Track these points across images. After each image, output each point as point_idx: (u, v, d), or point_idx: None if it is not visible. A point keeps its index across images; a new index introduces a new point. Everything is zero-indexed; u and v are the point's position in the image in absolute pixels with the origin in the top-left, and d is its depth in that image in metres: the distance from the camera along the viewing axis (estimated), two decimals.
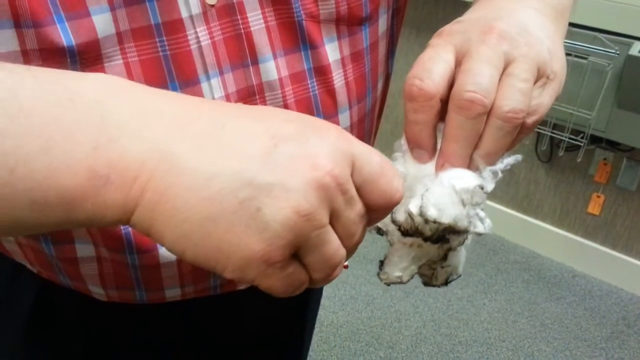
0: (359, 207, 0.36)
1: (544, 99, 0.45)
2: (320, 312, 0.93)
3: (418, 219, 0.42)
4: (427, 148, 0.45)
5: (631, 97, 2.02)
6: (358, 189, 0.36)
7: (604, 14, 2.04)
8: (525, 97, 0.43)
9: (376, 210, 0.38)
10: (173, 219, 0.33)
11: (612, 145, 2.23)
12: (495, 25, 0.45)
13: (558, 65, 0.46)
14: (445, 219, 0.41)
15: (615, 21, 2.02)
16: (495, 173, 0.44)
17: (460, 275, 0.48)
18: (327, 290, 0.84)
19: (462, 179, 0.43)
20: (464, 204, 0.42)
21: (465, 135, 0.43)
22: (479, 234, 0.43)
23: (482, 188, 0.43)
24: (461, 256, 0.47)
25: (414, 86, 0.43)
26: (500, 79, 0.43)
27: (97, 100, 0.34)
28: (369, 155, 0.36)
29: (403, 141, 0.47)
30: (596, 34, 2.04)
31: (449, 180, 0.43)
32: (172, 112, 0.35)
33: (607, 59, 2.03)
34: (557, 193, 2.44)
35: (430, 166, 0.45)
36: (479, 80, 0.42)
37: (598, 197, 2.34)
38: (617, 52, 2.01)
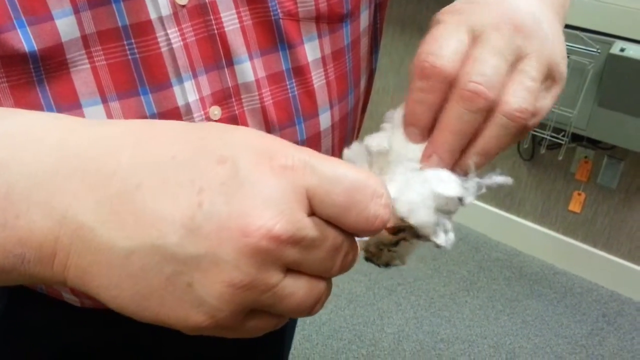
0: (328, 244, 0.30)
1: (547, 102, 0.43)
2: None
3: None
4: (423, 130, 0.42)
5: (612, 96, 2.04)
6: (328, 220, 0.30)
7: (585, 12, 2.05)
8: (533, 97, 0.41)
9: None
10: (105, 295, 0.30)
11: (593, 143, 2.24)
12: (512, 14, 0.42)
13: (565, 68, 0.44)
14: (412, 221, 0.39)
15: (597, 20, 2.03)
16: (480, 187, 0.41)
17: (404, 264, 0.45)
18: None
19: (446, 184, 0.40)
20: (436, 211, 0.40)
21: (461, 128, 0.40)
22: (437, 246, 0.41)
23: (460, 200, 0.40)
24: (412, 248, 0.44)
25: (426, 62, 0.40)
26: (509, 74, 0.41)
27: (1, 164, 0.30)
28: (331, 185, 0.30)
29: (397, 114, 0.43)
30: (577, 32, 2.05)
31: (432, 183, 0.40)
32: (85, 167, 0.30)
33: (588, 57, 2.04)
34: (539, 191, 2.45)
35: (418, 149, 0.42)
36: (487, 72, 0.40)
37: (579, 194, 2.36)
38: (598, 51, 2.02)
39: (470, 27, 0.42)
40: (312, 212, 0.30)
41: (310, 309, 0.32)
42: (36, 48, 0.44)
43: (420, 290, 2.28)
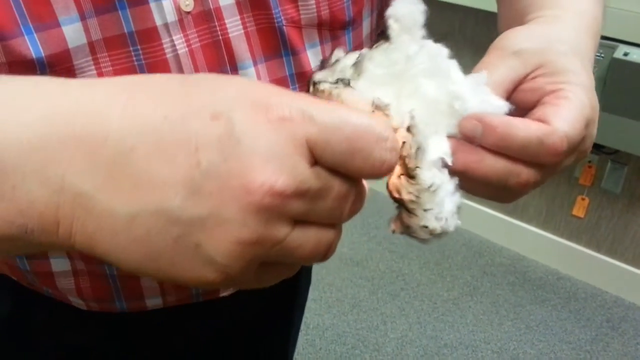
0: (334, 193, 0.30)
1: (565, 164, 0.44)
2: (306, 314, 0.92)
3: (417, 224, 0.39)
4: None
5: (615, 100, 2.03)
6: (332, 168, 0.30)
7: None
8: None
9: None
10: (114, 259, 0.30)
11: (597, 148, 2.23)
12: (584, 80, 0.44)
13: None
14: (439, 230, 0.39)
15: None
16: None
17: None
18: (312, 293, 0.83)
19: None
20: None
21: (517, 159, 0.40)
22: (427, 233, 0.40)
23: (426, 226, 0.39)
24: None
25: (563, 147, 0.40)
26: None
27: None
28: (332, 133, 0.29)
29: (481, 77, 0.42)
30: None
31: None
32: (76, 134, 0.29)
33: None
34: (543, 195, 2.45)
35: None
36: (575, 136, 0.41)
37: (583, 199, 2.35)
38: (602, 56, 2.02)
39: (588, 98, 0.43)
40: (315, 162, 0.29)
41: (322, 257, 0.32)
42: (43, 54, 0.44)
43: (423, 295, 2.27)
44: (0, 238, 0.30)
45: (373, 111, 0.39)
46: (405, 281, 2.33)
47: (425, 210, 0.39)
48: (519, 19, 0.51)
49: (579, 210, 2.37)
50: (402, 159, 0.38)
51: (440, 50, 0.41)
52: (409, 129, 0.38)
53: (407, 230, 0.41)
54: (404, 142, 0.38)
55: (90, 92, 0.31)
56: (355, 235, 2.54)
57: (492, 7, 0.67)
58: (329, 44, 0.57)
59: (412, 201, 0.39)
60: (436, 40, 0.41)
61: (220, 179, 0.27)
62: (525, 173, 0.40)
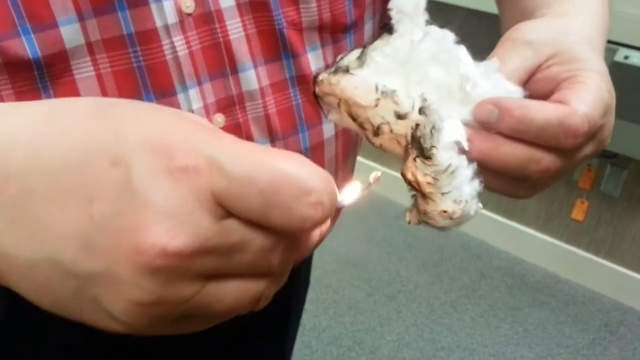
0: (254, 246, 0.27)
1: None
2: (303, 315, 0.92)
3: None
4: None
5: (616, 104, 2.03)
6: (250, 221, 0.27)
7: None
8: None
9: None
10: (31, 299, 0.28)
11: None
12: (599, 66, 0.43)
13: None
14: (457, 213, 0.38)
15: None
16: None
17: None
18: (309, 294, 0.83)
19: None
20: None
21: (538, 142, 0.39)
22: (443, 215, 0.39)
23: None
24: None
25: (584, 127, 0.40)
26: None
27: None
28: (243, 187, 0.25)
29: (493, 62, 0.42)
30: None
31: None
32: None
33: None
34: (542, 198, 2.44)
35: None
36: (595, 117, 0.40)
37: (582, 203, 2.34)
38: None
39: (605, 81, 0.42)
40: (228, 214, 0.26)
41: (252, 307, 0.29)
42: (40, 55, 0.44)
43: (420, 297, 2.27)
44: None
45: (378, 98, 0.38)
46: (402, 283, 2.33)
47: (443, 193, 0.37)
48: (525, 18, 0.50)
49: (578, 213, 2.36)
50: (417, 140, 0.37)
51: (446, 35, 0.40)
52: (421, 111, 0.37)
53: (424, 218, 0.39)
54: (417, 125, 0.37)
55: (3, 122, 0.29)
56: (352, 236, 2.54)
57: (492, 8, 0.67)
58: (330, 47, 0.57)
59: (429, 184, 0.37)
60: None
61: (112, 235, 0.25)
62: (546, 159, 0.39)
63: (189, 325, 0.29)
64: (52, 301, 0.28)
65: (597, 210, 2.33)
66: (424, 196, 0.38)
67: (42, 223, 0.26)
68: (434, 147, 0.37)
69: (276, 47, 0.54)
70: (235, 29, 0.51)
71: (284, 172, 0.26)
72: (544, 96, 0.41)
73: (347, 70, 0.38)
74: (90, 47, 0.46)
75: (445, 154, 0.37)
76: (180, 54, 0.49)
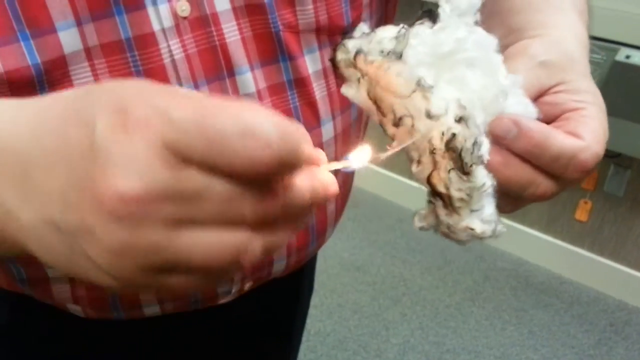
0: (217, 192, 0.27)
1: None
2: (307, 320, 0.91)
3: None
4: None
5: (617, 103, 2.02)
6: (208, 169, 0.27)
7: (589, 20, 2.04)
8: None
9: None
10: (49, 263, 0.31)
11: None
12: (600, 103, 0.44)
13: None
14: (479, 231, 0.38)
15: (601, 27, 2.02)
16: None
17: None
18: (314, 299, 0.83)
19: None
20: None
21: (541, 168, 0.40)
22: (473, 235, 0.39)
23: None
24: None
25: (588, 164, 0.40)
26: None
27: None
28: (193, 133, 0.26)
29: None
30: None
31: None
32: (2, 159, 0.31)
33: (593, 65, 2.02)
34: None
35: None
36: (601, 155, 0.40)
37: (585, 203, 2.34)
38: (603, 58, 2.01)
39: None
40: (187, 164, 0.27)
41: (235, 261, 0.29)
42: (39, 60, 0.44)
43: (425, 300, 2.26)
44: None
45: (414, 90, 0.36)
46: (406, 286, 2.32)
47: (472, 210, 0.37)
48: (516, 36, 0.49)
49: (581, 214, 2.36)
50: (457, 152, 0.36)
51: (490, 40, 0.39)
52: (460, 120, 0.36)
53: (443, 229, 0.39)
54: (454, 134, 0.36)
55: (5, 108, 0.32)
56: (355, 240, 2.53)
57: None
58: (327, 49, 0.57)
59: (461, 199, 0.37)
60: None
61: (82, 191, 0.27)
62: (544, 184, 0.40)
63: (178, 281, 0.29)
64: (58, 261, 0.30)
65: (600, 210, 2.33)
66: (451, 209, 0.37)
67: (37, 188, 0.29)
68: (474, 164, 0.36)
69: (273, 50, 0.54)
70: (232, 32, 0.51)
71: (228, 116, 0.27)
72: (548, 119, 0.42)
73: (400, 56, 0.37)
74: (88, 52, 0.46)
75: (483, 172, 0.36)
76: (176, 57, 0.49)
